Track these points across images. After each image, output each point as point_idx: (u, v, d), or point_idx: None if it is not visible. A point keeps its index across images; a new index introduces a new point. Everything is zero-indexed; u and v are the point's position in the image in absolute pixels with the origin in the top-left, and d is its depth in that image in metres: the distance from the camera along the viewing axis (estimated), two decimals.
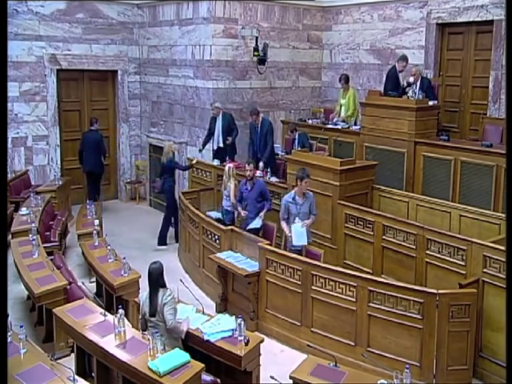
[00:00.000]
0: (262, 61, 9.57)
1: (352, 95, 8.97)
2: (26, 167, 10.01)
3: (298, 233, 6.19)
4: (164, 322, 4.54)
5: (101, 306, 5.28)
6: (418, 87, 7.95)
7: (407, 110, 7.50)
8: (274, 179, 8.10)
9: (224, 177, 7.63)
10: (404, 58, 8.32)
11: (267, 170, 8.33)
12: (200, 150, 9.15)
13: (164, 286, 4.67)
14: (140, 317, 4.82)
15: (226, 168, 7.64)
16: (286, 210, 6.32)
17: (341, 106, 9.19)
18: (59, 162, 10.41)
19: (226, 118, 8.94)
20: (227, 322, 4.83)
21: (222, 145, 8.97)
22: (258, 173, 8.30)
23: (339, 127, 8.95)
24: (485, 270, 5.21)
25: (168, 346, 4.37)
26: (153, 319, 4.62)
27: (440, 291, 4.93)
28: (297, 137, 8.62)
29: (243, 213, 7.10)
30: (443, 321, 4.88)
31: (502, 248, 4.89)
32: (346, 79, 9.06)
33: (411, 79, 8.08)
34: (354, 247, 6.66)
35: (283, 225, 6.39)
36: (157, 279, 4.63)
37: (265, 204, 7.09)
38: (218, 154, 9.02)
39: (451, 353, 4.93)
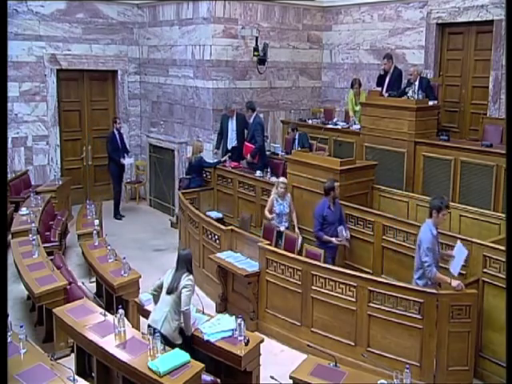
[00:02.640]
0: (261, 61, 9.56)
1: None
2: (26, 167, 10.00)
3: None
4: (178, 301, 4.64)
5: (101, 306, 5.28)
6: (417, 87, 7.94)
7: (407, 110, 7.49)
8: (274, 179, 8.10)
9: (275, 191, 7.00)
10: (388, 57, 8.44)
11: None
12: (215, 154, 9.26)
13: (190, 271, 4.81)
14: (153, 289, 4.91)
15: (277, 180, 7.05)
16: (432, 250, 5.03)
17: (355, 112, 8.94)
18: (59, 162, 10.40)
19: (240, 119, 9.04)
20: (227, 321, 4.83)
21: (235, 144, 9.06)
22: (258, 173, 8.34)
23: (339, 127, 8.95)
24: (485, 270, 5.21)
25: (169, 324, 4.59)
26: (167, 296, 4.70)
27: (440, 291, 4.93)
28: (297, 137, 8.63)
29: (342, 235, 6.29)
30: (443, 321, 4.88)
31: (502, 248, 4.89)
32: (359, 83, 8.95)
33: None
34: (353, 247, 6.65)
35: (439, 275, 5.00)
36: (184, 262, 4.81)
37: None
38: (232, 154, 9.06)
39: (452, 353, 4.92)
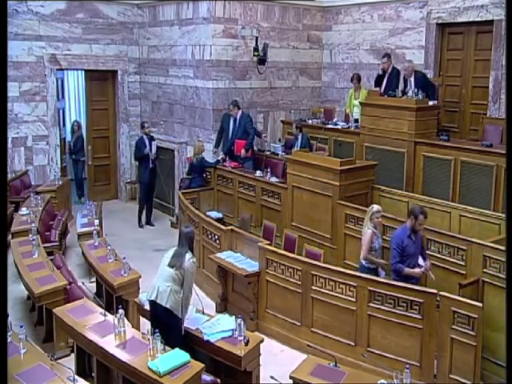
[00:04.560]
0: (261, 61, 9.56)
1: (365, 95, 8.88)
2: (26, 167, 9.99)
3: None
4: (180, 277, 4.73)
5: (101, 306, 5.29)
6: (413, 83, 7.92)
7: (407, 110, 7.49)
8: (274, 179, 8.10)
9: (370, 223, 5.75)
10: (388, 56, 8.45)
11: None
12: (215, 152, 9.26)
13: (191, 250, 4.90)
14: None
15: (369, 208, 5.85)
16: None
17: (353, 107, 8.99)
18: (59, 162, 10.40)
19: (244, 118, 9.01)
20: (227, 322, 4.83)
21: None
22: (258, 173, 8.33)
23: (339, 127, 8.95)
24: (485, 270, 5.21)
25: (174, 297, 4.67)
26: (168, 270, 4.77)
27: (441, 293, 4.89)
28: (299, 137, 8.59)
29: (425, 264, 5.44)
30: (444, 324, 4.82)
31: (502, 248, 4.88)
32: (358, 78, 8.97)
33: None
34: (354, 247, 6.63)
35: None
36: (185, 239, 4.93)
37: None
38: (231, 153, 9.06)
39: (455, 362, 4.77)
